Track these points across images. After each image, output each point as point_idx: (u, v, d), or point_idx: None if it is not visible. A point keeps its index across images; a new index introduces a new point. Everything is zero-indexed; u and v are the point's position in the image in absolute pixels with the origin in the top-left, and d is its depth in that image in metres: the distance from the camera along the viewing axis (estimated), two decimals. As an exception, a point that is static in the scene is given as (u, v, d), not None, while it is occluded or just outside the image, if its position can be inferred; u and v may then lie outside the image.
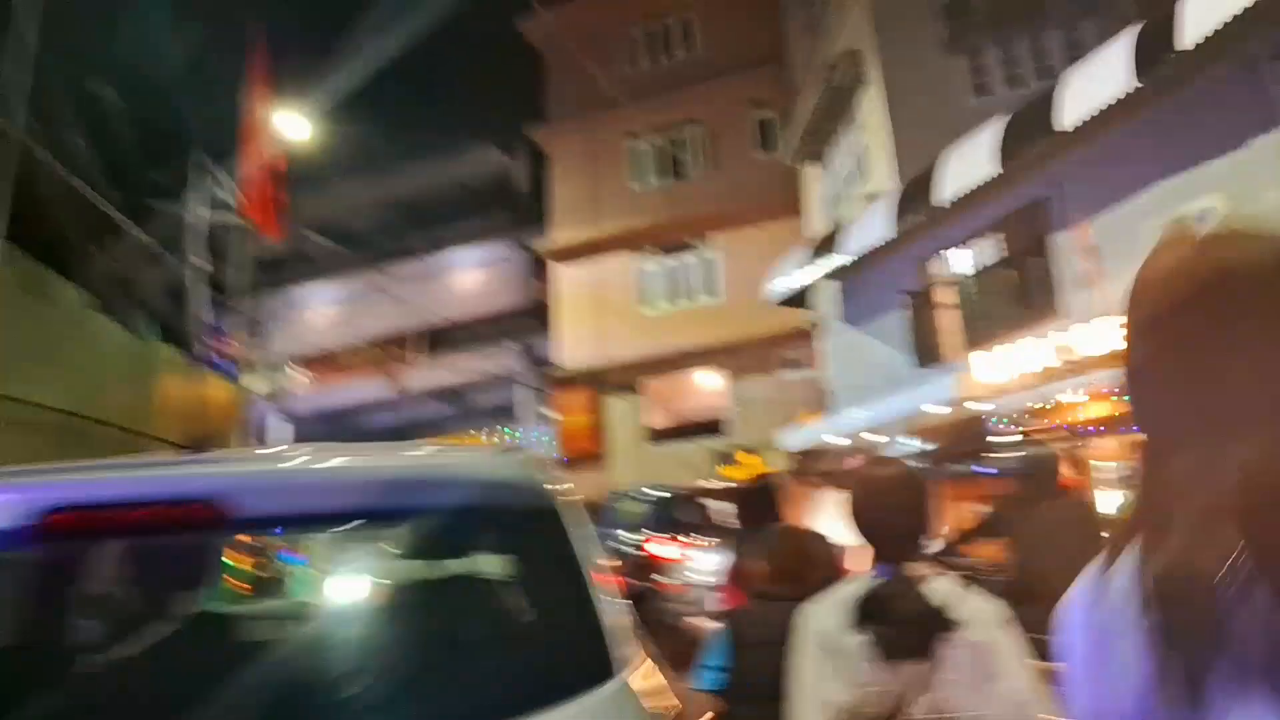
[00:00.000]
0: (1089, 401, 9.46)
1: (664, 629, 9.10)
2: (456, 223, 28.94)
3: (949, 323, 12.30)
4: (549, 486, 1.65)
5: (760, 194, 18.91)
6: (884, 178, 13.13)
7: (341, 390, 28.95)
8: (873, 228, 12.11)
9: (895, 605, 2.04)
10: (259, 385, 26.83)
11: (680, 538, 9.96)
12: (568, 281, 21.50)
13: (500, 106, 26.47)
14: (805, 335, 16.86)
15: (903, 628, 2.01)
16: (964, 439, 10.89)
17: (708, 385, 20.25)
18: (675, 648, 9.30)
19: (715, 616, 3.13)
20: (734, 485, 6.93)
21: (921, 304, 12.61)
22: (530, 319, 26.49)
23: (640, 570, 9.71)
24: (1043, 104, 9.45)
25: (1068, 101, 9.02)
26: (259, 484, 1.56)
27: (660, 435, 20.03)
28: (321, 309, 31.51)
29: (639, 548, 10.03)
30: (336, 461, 1.71)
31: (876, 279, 12.96)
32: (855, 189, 14.67)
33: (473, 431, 26.26)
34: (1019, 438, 4.49)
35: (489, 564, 1.67)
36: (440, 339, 28.11)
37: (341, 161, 24.42)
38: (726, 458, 17.80)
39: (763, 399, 18.55)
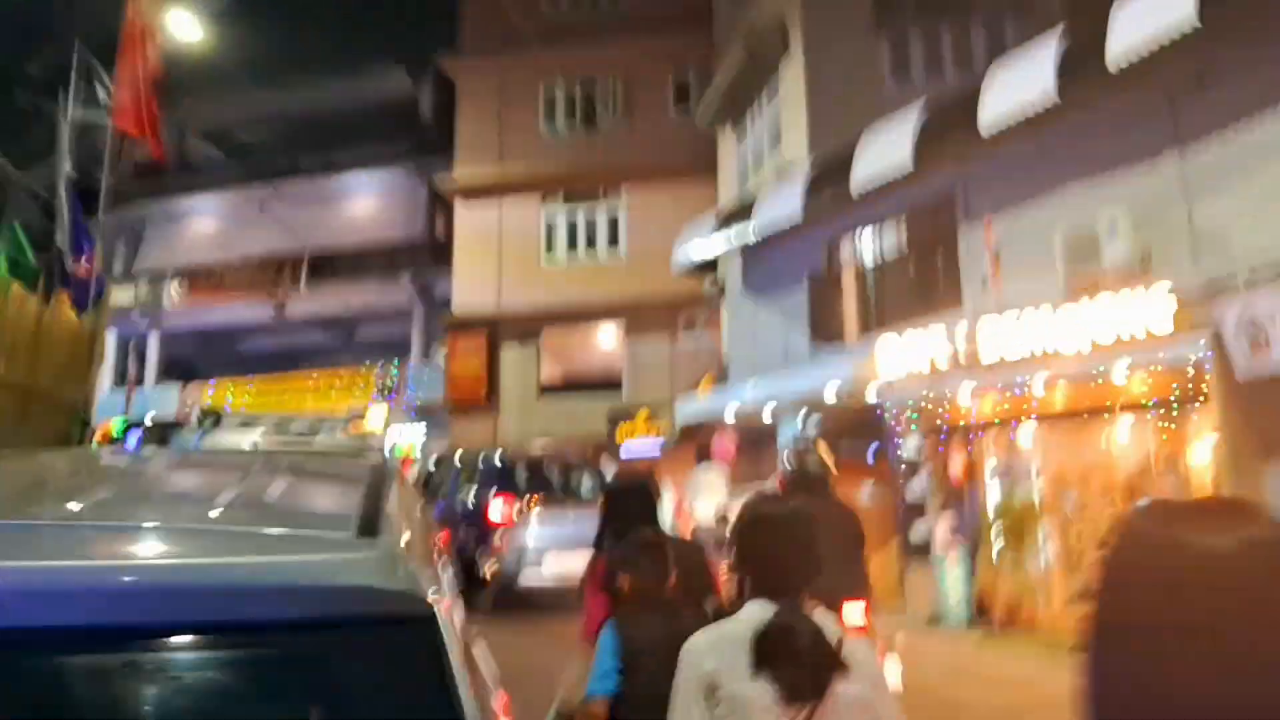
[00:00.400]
0: (981, 398, 9.69)
1: (495, 584, 10.23)
2: (354, 145, 27.50)
3: (849, 306, 12.40)
4: (421, 591, 1.38)
5: (673, 153, 18.60)
6: (797, 149, 13.04)
7: (220, 310, 27.56)
8: (782, 204, 12.02)
9: (796, 643, 1.93)
10: (129, 300, 25.27)
11: (521, 503, 10.72)
12: (469, 221, 20.81)
13: (411, 29, 25.10)
14: (707, 301, 16.79)
15: (803, 668, 1.91)
16: (856, 424, 11.05)
17: (606, 343, 20.04)
18: (506, 601, 9.73)
19: (600, 621, 3.12)
20: (609, 479, 6.93)
21: (824, 284, 12.66)
22: (426, 253, 25.59)
23: (479, 531, 10.55)
24: (965, 99, 9.45)
25: (989, 101, 9.03)
26: (30, 586, 1.19)
27: (554, 389, 19.78)
28: (203, 222, 29.68)
29: (481, 510, 10.72)
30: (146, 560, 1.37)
31: (782, 254, 12.93)
32: (768, 158, 14.55)
33: (359, 366, 25.38)
34: (796, 445, 4.92)
35: (341, 685, 1.36)
36: (329, 265, 26.88)
37: (235, 67, 22.84)
38: (626, 416, 17.67)
39: (661, 361, 18.49)
